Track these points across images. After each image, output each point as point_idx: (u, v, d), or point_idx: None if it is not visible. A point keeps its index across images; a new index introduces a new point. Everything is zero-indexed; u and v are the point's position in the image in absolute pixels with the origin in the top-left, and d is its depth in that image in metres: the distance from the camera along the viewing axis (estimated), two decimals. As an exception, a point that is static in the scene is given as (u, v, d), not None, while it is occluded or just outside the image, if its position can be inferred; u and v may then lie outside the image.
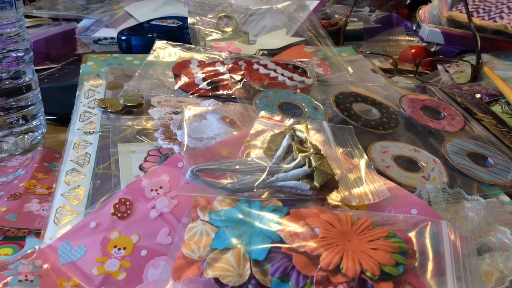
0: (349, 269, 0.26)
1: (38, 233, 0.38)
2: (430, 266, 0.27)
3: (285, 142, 0.36)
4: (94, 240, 0.34)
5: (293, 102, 0.52)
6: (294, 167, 0.34)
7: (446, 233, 0.28)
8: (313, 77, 0.61)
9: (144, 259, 0.33)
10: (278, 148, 0.36)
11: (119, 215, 0.35)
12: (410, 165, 0.45)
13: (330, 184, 0.34)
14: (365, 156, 0.40)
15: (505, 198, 0.42)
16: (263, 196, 0.33)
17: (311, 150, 0.35)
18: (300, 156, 0.34)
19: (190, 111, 0.44)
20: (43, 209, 0.40)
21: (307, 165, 0.33)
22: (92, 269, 0.32)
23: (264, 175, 0.33)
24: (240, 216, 0.30)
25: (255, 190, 0.33)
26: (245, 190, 0.33)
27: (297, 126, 0.37)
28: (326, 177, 0.33)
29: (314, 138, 0.41)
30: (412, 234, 0.29)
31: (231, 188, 0.33)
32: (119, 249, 0.33)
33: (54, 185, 0.40)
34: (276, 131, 0.41)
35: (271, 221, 0.30)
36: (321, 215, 0.30)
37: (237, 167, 0.35)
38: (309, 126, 0.39)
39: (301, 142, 0.36)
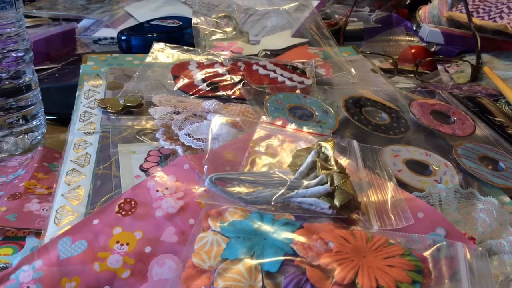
0: (365, 285, 0.25)
1: (38, 233, 0.37)
2: (446, 287, 0.27)
3: (309, 158, 0.35)
4: (96, 235, 0.33)
5: (303, 106, 0.52)
6: (316, 184, 0.33)
7: (462, 254, 0.28)
8: (313, 77, 0.61)
9: (148, 256, 0.32)
10: (302, 163, 0.35)
11: (123, 213, 0.35)
12: (421, 168, 0.45)
13: (351, 205, 0.33)
14: (394, 180, 0.38)
15: (505, 198, 0.42)
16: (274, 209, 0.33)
17: (335, 168, 0.34)
18: (322, 174, 0.34)
19: (218, 119, 0.44)
20: (43, 209, 0.40)
21: (329, 183, 0.33)
22: (94, 264, 0.32)
23: (283, 189, 0.33)
24: (252, 227, 0.30)
25: (272, 203, 0.32)
26: (262, 202, 0.33)
27: (324, 143, 0.37)
28: (347, 197, 0.32)
29: (341, 156, 0.40)
30: (427, 254, 0.29)
31: (248, 199, 0.33)
32: (121, 244, 0.33)
33: (54, 186, 0.40)
34: (280, 137, 0.41)
35: (284, 234, 0.29)
36: (335, 230, 0.30)
37: (257, 178, 0.35)
38: (341, 143, 0.39)
39: (326, 159, 0.36)
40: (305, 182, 0.34)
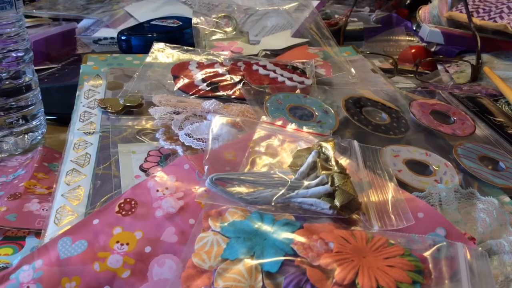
0: (365, 285, 0.25)
1: (38, 233, 0.37)
2: (446, 287, 0.27)
3: (310, 159, 0.35)
4: (96, 235, 0.33)
5: (303, 106, 0.52)
6: (317, 185, 0.33)
7: (462, 255, 0.28)
8: (313, 77, 0.61)
9: (148, 256, 0.32)
10: (303, 163, 0.35)
11: (123, 213, 0.35)
12: (421, 168, 0.45)
13: (352, 205, 0.33)
14: (394, 180, 0.38)
15: (505, 198, 0.42)
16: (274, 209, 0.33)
17: (335, 168, 0.34)
18: (323, 174, 0.34)
19: (218, 120, 0.44)
20: (43, 209, 0.40)
21: (329, 183, 0.33)
22: (94, 264, 0.32)
23: (284, 190, 0.33)
24: (253, 228, 0.30)
25: (273, 204, 0.33)
26: (263, 203, 0.33)
27: (324, 144, 0.37)
28: (347, 198, 0.32)
29: (342, 156, 0.39)
30: (427, 254, 0.29)
31: (249, 199, 0.33)
32: (121, 244, 0.33)
33: (54, 186, 0.40)
34: (280, 137, 0.41)
35: (284, 234, 0.30)
36: (335, 231, 0.30)
37: (257, 179, 0.35)
38: (342, 144, 0.39)
39: (327, 159, 0.36)
40: (306, 183, 0.34)
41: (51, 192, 0.41)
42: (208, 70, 0.61)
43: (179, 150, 0.44)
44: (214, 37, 0.76)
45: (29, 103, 0.52)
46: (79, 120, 0.50)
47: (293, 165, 0.36)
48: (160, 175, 0.38)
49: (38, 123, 0.53)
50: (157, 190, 0.37)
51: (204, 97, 0.56)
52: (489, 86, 0.70)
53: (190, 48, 0.69)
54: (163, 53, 0.67)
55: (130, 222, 0.34)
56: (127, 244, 0.33)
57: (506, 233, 0.36)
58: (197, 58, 0.67)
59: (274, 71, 0.60)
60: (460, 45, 0.84)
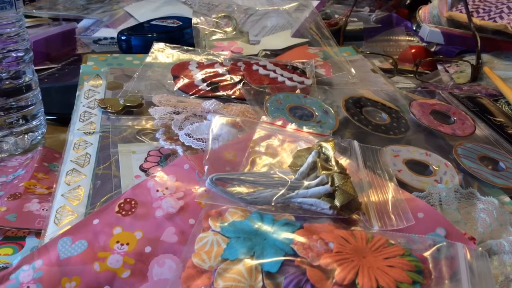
0: (365, 285, 0.25)
1: (38, 233, 0.38)
2: (446, 287, 0.27)
3: (310, 159, 0.35)
4: (96, 235, 0.33)
5: (303, 106, 0.52)
6: (317, 185, 0.33)
7: (462, 255, 0.28)
8: (313, 77, 0.61)
9: (148, 256, 0.32)
10: (303, 164, 0.35)
11: (123, 213, 0.35)
12: (421, 168, 0.45)
13: (352, 205, 0.33)
14: (394, 180, 0.38)
15: (505, 198, 0.42)
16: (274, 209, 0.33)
17: (335, 168, 0.34)
18: (323, 174, 0.34)
19: (218, 120, 0.44)
20: (43, 209, 0.40)
21: (329, 183, 0.33)
22: (94, 264, 0.32)
23: (284, 190, 0.33)
24: (253, 228, 0.30)
25: (273, 204, 0.33)
26: (263, 203, 0.33)
27: (324, 144, 0.37)
28: (347, 198, 0.32)
29: (342, 156, 0.39)
30: (427, 254, 0.29)
31: (249, 199, 0.33)
32: (122, 244, 0.33)
33: (54, 186, 0.40)
34: (280, 137, 0.41)
35: (284, 234, 0.30)
36: (335, 231, 0.30)
37: (257, 179, 0.35)
38: (341, 144, 0.39)
39: (327, 159, 0.36)
40: (306, 183, 0.34)
41: (51, 192, 0.41)
42: (208, 70, 0.61)
43: (179, 150, 0.44)
44: (214, 37, 0.76)
45: (29, 103, 0.52)
46: (79, 120, 0.50)
47: (293, 165, 0.36)
48: (160, 175, 0.38)
49: (38, 123, 0.53)
50: (157, 190, 0.37)
51: (204, 97, 0.56)
52: (489, 86, 0.70)
53: (190, 48, 0.69)
54: (163, 53, 0.67)
55: (130, 222, 0.34)
56: (127, 244, 0.33)
57: (506, 233, 0.36)
58: (197, 58, 0.67)
59: (274, 71, 0.60)
60: (460, 45, 0.84)
